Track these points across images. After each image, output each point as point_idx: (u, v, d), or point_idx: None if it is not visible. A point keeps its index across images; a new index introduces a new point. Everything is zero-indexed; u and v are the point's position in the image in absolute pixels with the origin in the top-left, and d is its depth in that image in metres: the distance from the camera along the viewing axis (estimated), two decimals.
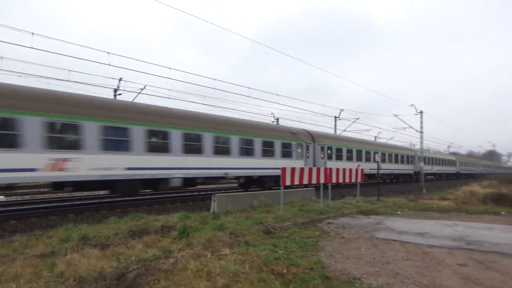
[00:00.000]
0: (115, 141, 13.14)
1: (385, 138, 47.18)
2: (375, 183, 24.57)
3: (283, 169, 10.72)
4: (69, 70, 20.13)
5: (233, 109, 31.15)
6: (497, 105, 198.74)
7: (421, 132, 33.53)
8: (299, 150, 22.22)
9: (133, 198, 16.76)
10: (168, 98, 26.10)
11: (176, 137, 15.01)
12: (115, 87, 26.72)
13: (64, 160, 11.66)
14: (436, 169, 46.18)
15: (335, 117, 39.37)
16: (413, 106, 32.28)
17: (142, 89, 25.81)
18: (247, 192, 14.04)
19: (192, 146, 15.68)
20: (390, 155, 34.15)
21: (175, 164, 14.93)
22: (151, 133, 14.30)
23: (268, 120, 42.96)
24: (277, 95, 29.09)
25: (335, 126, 39.30)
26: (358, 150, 28.28)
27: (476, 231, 8.75)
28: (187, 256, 5.44)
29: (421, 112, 32.69)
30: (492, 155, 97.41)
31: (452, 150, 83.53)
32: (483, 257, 6.22)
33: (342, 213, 11.62)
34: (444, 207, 14.14)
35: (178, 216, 9.62)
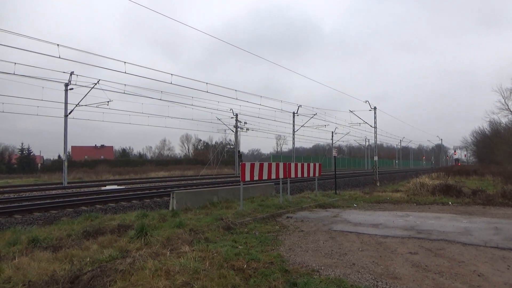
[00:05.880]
0: None
1: (341, 133, 48.65)
2: (332, 177, 25.31)
3: (243, 165, 10.72)
4: (15, 63, 18.99)
5: (191, 105, 30.67)
6: (435, 105, 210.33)
7: (375, 127, 34.85)
8: None
9: (86, 196, 16.13)
10: (124, 93, 25.22)
11: None
12: (66, 81, 25.53)
13: None
14: None
15: (293, 113, 40.02)
16: (367, 102, 33.39)
17: (96, 83, 24.89)
18: (207, 188, 13.98)
19: None
20: None
21: None
22: None
23: (227, 115, 42.78)
24: (236, 90, 28.95)
25: (293, 122, 39.96)
26: None
27: (425, 220, 9.25)
28: (145, 255, 5.31)
29: (375, 108, 33.91)
30: (440, 149, 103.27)
31: (403, 144, 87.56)
32: (431, 245, 6.59)
33: (301, 207, 11.84)
34: (396, 198, 14.81)
35: (135, 215, 9.37)
